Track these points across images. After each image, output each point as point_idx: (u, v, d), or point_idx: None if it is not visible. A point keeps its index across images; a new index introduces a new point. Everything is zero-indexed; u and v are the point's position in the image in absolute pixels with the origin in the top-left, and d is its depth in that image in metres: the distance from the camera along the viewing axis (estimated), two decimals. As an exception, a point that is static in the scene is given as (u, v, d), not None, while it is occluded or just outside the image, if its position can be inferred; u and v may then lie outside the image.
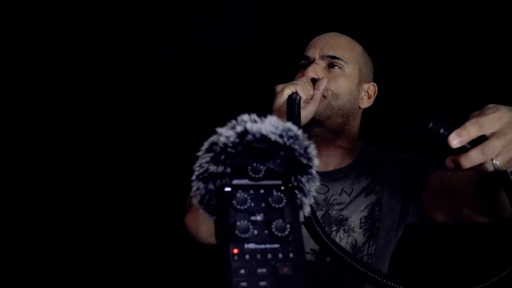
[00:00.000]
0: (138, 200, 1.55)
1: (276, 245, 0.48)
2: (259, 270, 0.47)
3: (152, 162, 1.56)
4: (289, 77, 1.59)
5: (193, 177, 0.52)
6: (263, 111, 0.54)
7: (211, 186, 0.51)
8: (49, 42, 1.52)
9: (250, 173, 0.51)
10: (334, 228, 1.16)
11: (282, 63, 1.61)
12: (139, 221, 1.54)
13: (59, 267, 1.50)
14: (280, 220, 0.49)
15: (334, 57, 1.19)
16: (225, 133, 0.51)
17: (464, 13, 1.52)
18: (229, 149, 0.50)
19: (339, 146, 1.25)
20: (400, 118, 1.53)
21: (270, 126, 0.51)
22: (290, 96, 1.04)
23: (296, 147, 0.51)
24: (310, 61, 1.21)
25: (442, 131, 0.74)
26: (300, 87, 1.06)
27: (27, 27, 1.50)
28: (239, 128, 0.51)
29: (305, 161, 0.52)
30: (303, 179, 0.52)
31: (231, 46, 1.62)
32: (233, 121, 0.51)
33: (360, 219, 1.17)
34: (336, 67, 1.19)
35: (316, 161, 0.53)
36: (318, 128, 1.21)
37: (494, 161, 0.71)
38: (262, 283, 0.46)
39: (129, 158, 1.56)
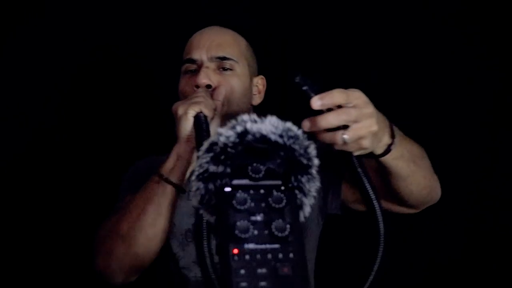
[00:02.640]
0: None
1: (276, 245, 0.48)
2: (259, 270, 0.47)
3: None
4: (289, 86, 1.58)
5: (193, 177, 0.52)
6: (263, 113, 0.54)
7: (211, 186, 0.51)
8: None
9: (250, 173, 0.51)
10: None
11: (282, 63, 1.61)
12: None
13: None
14: (280, 220, 0.49)
15: (224, 58, 1.08)
16: (225, 133, 0.51)
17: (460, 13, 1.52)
18: (229, 149, 0.50)
19: None
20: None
21: (270, 126, 0.51)
22: (196, 118, 0.93)
23: (296, 147, 0.51)
24: (197, 65, 1.09)
25: (306, 88, 0.73)
26: (204, 105, 0.95)
27: None
28: (239, 128, 0.51)
29: (305, 161, 0.52)
30: (303, 179, 0.52)
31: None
32: (233, 121, 0.51)
33: None
34: (227, 69, 1.09)
35: (316, 161, 0.53)
36: None
37: (343, 135, 0.68)
38: (262, 283, 0.46)
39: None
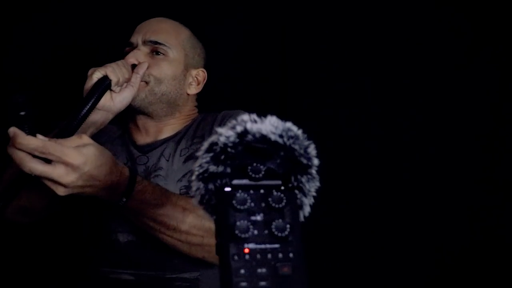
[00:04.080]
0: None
1: (276, 245, 0.48)
2: (259, 270, 0.47)
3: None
4: (289, 77, 1.58)
5: (193, 177, 0.52)
6: (263, 113, 0.54)
7: (211, 186, 0.51)
8: None
9: (250, 173, 0.51)
10: None
11: (281, 63, 1.61)
12: None
13: None
14: (280, 220, 0.49)
15: (156, 42, 1.16)
16: (225, 133, 0.51)
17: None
18: (229, 149, 0.50)
19: (170, 124, 1.23)
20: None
21: (270, 126, 0.51)
22: (100, 80, 1.00)
23: (296, 147, 0.51)
24: (133, 48, 1.17)
25: (24, 114, 0.80)
26: (111, 70, 1.02)
27: None
28: (239, 128, 0.51)
29: (305, 161, 0.52)
30: (303, 179, 0.52)
31: (231, 46, 1.62)
32: (233, 121, 0.51)
33: (180, 189, 1.09)
34: (159, 53, 1.16)
35: (316, 161, 0.53)
36: (141, 115, 1.20)
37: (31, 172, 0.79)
38: (262, 283, 0.46)
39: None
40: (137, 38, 1.17)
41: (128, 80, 1.08)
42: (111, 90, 1.04)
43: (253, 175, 0.51)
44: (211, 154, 0.51)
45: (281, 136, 0.51)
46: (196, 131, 1.20)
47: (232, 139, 0.50)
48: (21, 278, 1.45)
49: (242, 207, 0.49)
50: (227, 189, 0.51)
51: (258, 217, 0.50)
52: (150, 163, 1.16)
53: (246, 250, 0.48)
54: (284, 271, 0.47)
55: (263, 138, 0.51)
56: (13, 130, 0.78)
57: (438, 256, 1.48)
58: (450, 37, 1.52)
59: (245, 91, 1.57)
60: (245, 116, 0.52)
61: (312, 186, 0.53)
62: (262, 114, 0.53)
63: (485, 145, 1.48)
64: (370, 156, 1.51)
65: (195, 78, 1.23)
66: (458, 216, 1.47)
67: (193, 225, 0.95)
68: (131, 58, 1.12)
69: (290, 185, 0.52)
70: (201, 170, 0.51)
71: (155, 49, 1.16)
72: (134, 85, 1.09)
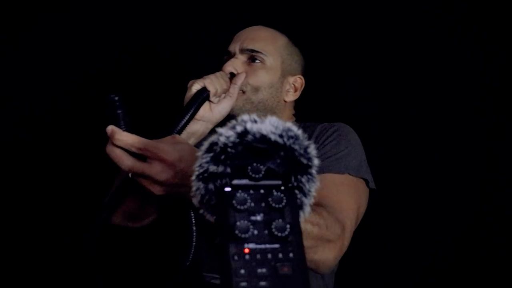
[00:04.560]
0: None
1: (276, 245, 0.48)
2: (259, 270, 0.47)
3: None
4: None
5: (193, 177, 0.52)
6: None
7: (211, 186, 0.51)
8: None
9: (250, 173, 0.51)
10: None
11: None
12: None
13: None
14: (280, 220, 0.49)
15: (253, 51, 1.17)
16: (225, 133, 0.51)
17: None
18: (229, 149, 0.50)
19: None
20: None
21: (270, 126, 0.51)
22: (199, 91, 1.02)
23: (296, 147, 0.51)
24: (231, 56, 1.19)
25: (120, 112, 0.81)
26: (209, 81, 1.04)
27: None
28: (239, 128, 0.51)
29: (305, 161, 0.52)
30: (303, 179, 0.52)
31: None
32: (233, 121, 0.52)
33: None
34: (256, 61, 1.17)
35: (316, 161, 0.53)
36: None
37: (129, 173, 0.79)
38: (262, 283, 0.46)
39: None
40: (234, 47, 1.19)
41: (226, 91, 1.09)
42: (209, 101, 1.05)
43: (253, 175, 0.51)
44: (211, 154, 0.51)
45: (281, 136, 0.51)
46: None
47: (232, 139, 0.50)
48: (125, 280, 1.46)
49: (242, 207, 0.49)
50: (227, 189, 0.51)
51: (258, 217, 0.50)
52: None
53: (246, 250, 0.48)
54: (284, 271, 0.47)
55: (263, 138, 0.51)
56: (111, 127, 0.78)
57: (438, 256, 1.48)
58: (451, 39, 1.52)
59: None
60: (245, 116, 0.52)
61: (312, 186, 0.53)
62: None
63: (486, 144, 1.48)
64: (371, 156, 1.51)
65: (293, 85, 1.24)
66: (458, 215, 1.47)
67: None
68: (229, 66, 1.14)
69: (290, 185, 0.52)
70: (201, 170, 0.51)
71: (252, 57, 1.17)
72: (233, 96, 1.10)
